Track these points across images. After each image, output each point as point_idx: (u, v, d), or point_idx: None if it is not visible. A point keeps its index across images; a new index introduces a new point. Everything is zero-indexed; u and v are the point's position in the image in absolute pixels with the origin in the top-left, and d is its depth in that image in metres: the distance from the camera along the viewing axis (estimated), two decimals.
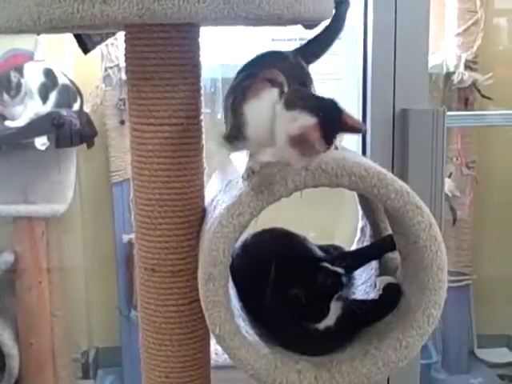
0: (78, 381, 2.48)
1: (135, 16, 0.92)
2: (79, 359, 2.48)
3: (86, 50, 1.33)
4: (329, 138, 0.90)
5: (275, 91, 0.94)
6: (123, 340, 2.40)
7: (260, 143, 0.96)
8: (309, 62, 1.13)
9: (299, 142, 0.89)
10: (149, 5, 0.92)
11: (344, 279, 1.07)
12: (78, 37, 1.31)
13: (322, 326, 1.05)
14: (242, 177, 1.02)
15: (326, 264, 1.07)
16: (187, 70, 1.11)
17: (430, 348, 2.50)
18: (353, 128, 0.92)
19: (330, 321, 1.06)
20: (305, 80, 1.08)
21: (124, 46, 1.13)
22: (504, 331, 2.67)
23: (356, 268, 1.25)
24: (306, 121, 0.89)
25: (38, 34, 1.77)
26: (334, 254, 1.29)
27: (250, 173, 1.01)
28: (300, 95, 0.94)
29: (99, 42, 1.33)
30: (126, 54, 1.13)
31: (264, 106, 0.94)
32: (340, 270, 1.07)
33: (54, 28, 0.98)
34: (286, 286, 1.05)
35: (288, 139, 0.90)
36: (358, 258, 1.24)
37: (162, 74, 1.09)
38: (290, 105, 0.91)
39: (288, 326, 1.08)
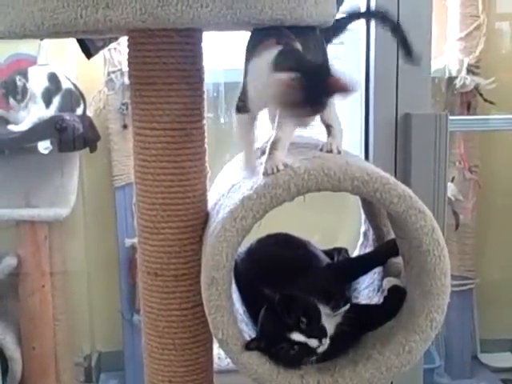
0: None
1: (138, 21, 0.93)
2: (82, 363, 2.47)
3: (88, 55, 1.33)
4: (312, 99, 0.89)
5: (275, 51, 0.94)
6: (126, 344, 2.40)
7: (258, 106, 0.96)
8: (328, 40, 1.16)
9: (280, 98, 0.89)
10: (152, 10, 0.92)
11: (318, 348, 1.01)
12: (80, 42, 1.32)
13: (319, 350, 1.03)
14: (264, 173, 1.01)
15: (297, 336, 1.01)
16: (190, 74, 1.12)
17: (433, 352, 2.49)
18: (342, 89, 0.90)
19: (329, 329, 1.06)
20: (322, 55, 1.10)
21: (127, 50, 1.13)
22: (507, 336, 2.65)
23: (361, 275, 1.24)
24: (283, 76, 0.89)
25: (42, 39, 1.77)
26: (340, 260, 1.29)
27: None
28: (288, 57, 0.93)
29: (102, 47, 1.34)
30: (129, 59, 1.13)
31: (263, 65, 0.93)
32: (313, 342, 1.01)
33: (58, 33, 0.98)
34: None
35: (273, 98, 0.90)
36: (362, 265, 1.23)
37: (164, 79, 1.09)
38: (276, 66, 0.91)
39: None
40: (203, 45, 1.14)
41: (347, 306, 1.09)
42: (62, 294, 2.35)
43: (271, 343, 1.03)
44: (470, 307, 2.56)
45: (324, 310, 1.05)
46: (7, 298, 2.26)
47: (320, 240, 1.36)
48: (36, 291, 2.23)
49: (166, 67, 1.09)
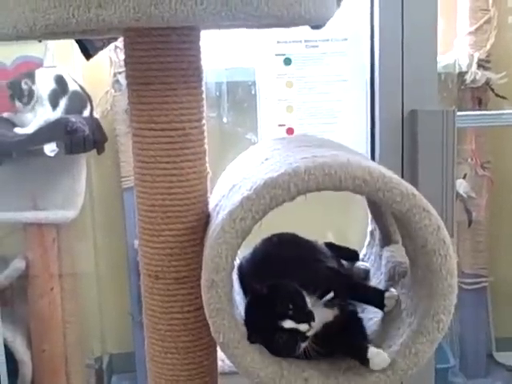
0: None
1: (132, 20, 0.91)
2: (93, 365, 2.48)
3: (88, 56, 1.32)
4: None
5: None
6: (136, 345, 2.39)
7: None
8: None
9: None
10: (145, 8, 0.90)
11: (306, 332, 1.00)
12: (79, 42, 1.31)
13: (309, 333, 1.01)
14: None
15: (288, 323, 1.00)
16: (188, 74, 1.10)
17: (447, 352, 2.46)
18: None
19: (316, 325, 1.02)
20: None
21: (124, 50, 1.12)
22: None
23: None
24: None
25: (39, 41, 1.77)
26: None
27: None
28: None
29: (101, 48, 1.33)
30: (125, 59, 1.12)
31: None
32: (304, 326, 1.00)
33: (52, 34, 0.97)
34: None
35: None
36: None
37: (162, 79, 1.07)
38: None
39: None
40: (201, 43, 1.12)
41: (331, 295, 1.05)
42: (72, 296, 2.35)
43: (262, 335, 1.02)
44: (484, 305, 2.53)
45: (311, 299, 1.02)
46: (16, 300, 2.27)
47: (330, 239, 1.34)
48: (45, 294, 2.24)
49: (162, 66, 1.07)
